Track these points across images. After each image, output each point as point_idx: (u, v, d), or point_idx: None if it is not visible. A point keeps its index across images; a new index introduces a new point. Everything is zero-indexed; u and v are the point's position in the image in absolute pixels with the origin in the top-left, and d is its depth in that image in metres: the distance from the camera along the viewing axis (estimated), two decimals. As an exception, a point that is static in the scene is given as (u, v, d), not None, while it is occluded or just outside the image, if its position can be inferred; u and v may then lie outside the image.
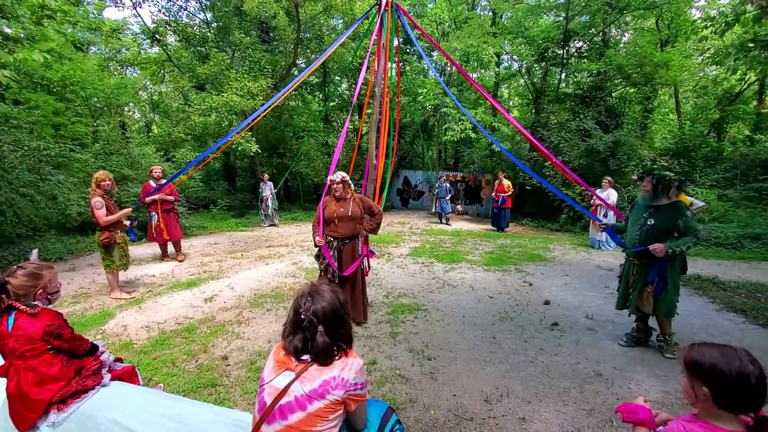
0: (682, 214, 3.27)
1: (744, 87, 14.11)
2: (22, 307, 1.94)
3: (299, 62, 14.35)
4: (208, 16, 14.21)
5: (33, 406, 1.87)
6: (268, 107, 5.03)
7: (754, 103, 13.95)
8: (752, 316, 4.47)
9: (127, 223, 4.99)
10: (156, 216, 6.55)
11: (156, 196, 6.34)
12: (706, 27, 5.47)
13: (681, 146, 13.13)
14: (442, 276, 6.02)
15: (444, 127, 14.39)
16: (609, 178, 8.62)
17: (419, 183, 16.65)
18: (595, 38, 13.40)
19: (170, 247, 7.08)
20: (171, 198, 6.72)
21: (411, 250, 7.95)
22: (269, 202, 11.19)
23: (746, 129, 14.98)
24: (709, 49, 13.75)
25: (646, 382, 3.08)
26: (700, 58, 14.15)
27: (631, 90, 13.67)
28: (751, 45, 5.29)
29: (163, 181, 6.44)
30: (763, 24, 5.41)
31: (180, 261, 6.83)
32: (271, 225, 11.31)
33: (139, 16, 12.87)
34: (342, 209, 3.87)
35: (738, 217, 9.74)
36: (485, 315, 4.45)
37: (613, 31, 14.19)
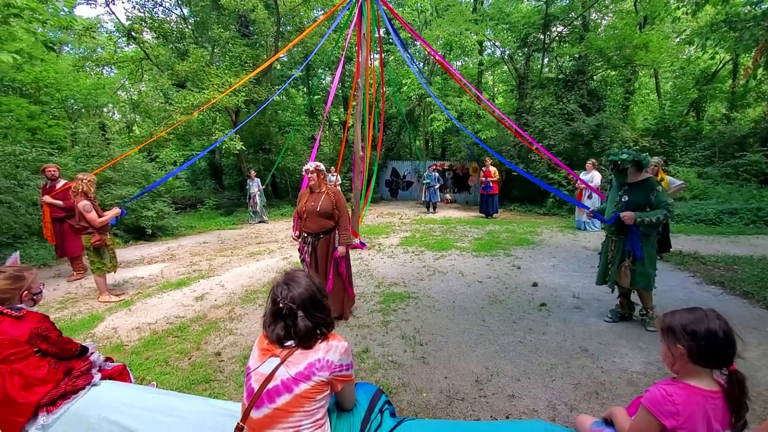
0: (653, 189, 3.43)
1: (719, 66, 14.37)
2: (6, 310, 1.93)
3: (281, 56, 14.16)
4: (185, 11, 13.91)
5: (20, 409, 1.84)
6: (259, 111, 4.96)
7: (730, 81, 14.23)
8: (729, 288, 4.64)
9: None
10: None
11: (47, 198, 5.51)
12: (678, 8, 5.57)
13: (662, 126, 13.37)
14: (432, 264, 6.08)
15: (430, 117, 14.41)
16: (593, 160, 8.77)
17: (407, 173, 16.67)
18: (575, 22, 13.48)
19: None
20: (59, 203, 5.55)
21: (401, 239, 8.00)
22: (257, 198, 11.13)
23: (722, 108, 15.30)
24: (685, 30, 13.94)
25: (629, 355, 3.18)
26: (678, 39, 14.33)
27: (612, 72, 13.83)
28: (723, 24, 5.41)
29: (62, 182, 5.66)
30: (732, 4, 5.52)
31: (70, 281, 5.62)
32: (260, 222, 11.25)
33: (113, 13, 12.58)
34: (312, 204, 3.70)
35: (717, 193, 10.00)
36: (475, 299, 4.52)
37: (593, 15, 14.29)
